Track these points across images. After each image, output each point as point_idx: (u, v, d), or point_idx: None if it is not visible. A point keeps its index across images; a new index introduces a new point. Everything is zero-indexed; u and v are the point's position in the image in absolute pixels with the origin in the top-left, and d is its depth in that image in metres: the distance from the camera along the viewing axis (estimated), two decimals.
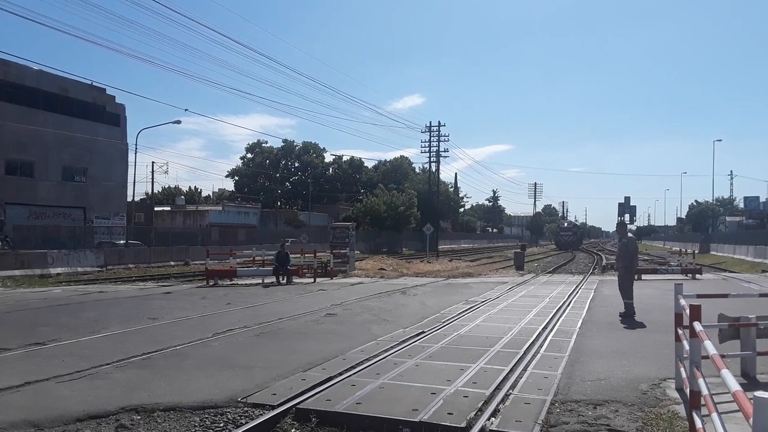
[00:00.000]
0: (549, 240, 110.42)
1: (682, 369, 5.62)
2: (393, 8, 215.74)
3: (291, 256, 20.79)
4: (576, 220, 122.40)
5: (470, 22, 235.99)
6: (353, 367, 6.98)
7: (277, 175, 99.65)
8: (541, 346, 8.37)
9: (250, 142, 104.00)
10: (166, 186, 79.85)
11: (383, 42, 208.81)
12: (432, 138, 58.21)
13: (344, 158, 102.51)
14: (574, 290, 16.45)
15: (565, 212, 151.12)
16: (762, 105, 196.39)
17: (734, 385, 2.57)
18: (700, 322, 4.42)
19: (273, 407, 5.51)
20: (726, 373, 2.80)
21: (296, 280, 20.67)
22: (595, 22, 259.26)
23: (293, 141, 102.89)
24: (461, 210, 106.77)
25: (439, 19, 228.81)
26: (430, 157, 59.47)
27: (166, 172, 69.38)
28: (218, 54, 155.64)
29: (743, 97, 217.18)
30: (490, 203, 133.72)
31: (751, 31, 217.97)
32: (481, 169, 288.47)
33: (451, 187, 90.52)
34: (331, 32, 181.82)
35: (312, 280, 21.03)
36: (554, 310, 12.08)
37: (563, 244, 74.57)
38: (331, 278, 22.18)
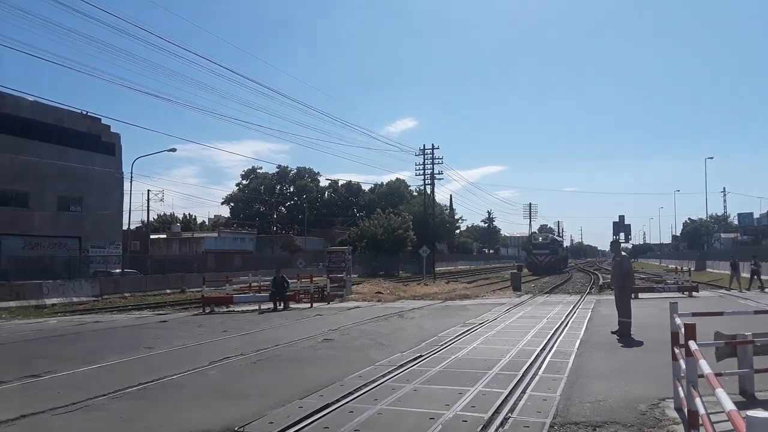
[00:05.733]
0: None
1: (680, 388, 5.62)
2: (384, 34, 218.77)
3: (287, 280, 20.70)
4: (572, 239, 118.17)
5: (460, 46, 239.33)
6: (351, 393, 6.93)
7: (273, 200, 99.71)
8: (539, 367, 8.34)
9: (246, 169, 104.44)
10: (162, 214, 79.81)
11: (374, 67, 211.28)
12: (426, 161, 58.53)
13: (341, 182, 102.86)
14: (571, 310, 16.43)
15: (560, 231, 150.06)
16: (753, 123, 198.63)
17: (728, 404, 2.58)
18: (696, 341, 4.44)
19: None
20: (720, 392, 2.81)
21: (293, 305, 20.58)
22: (585, 43, 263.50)
23: (287, 166, 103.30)
24: (457, 232, 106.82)
25: (429, 44, 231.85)
26: (424, 180, 59.67)
27: (162, 200, 69.47)
28: (211, 81, 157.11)
29: (734, 116, 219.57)
30: (486, 224, 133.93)
31: (740, 50, 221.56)
32: (476, 191, 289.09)
33: (446, 209, 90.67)
34: (323, 58, 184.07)
35: (309, 305, 20.93)
36: (552, 331, 12.05)
37: (536, 267, 55.01)
38: (328, 303, 22.08)
